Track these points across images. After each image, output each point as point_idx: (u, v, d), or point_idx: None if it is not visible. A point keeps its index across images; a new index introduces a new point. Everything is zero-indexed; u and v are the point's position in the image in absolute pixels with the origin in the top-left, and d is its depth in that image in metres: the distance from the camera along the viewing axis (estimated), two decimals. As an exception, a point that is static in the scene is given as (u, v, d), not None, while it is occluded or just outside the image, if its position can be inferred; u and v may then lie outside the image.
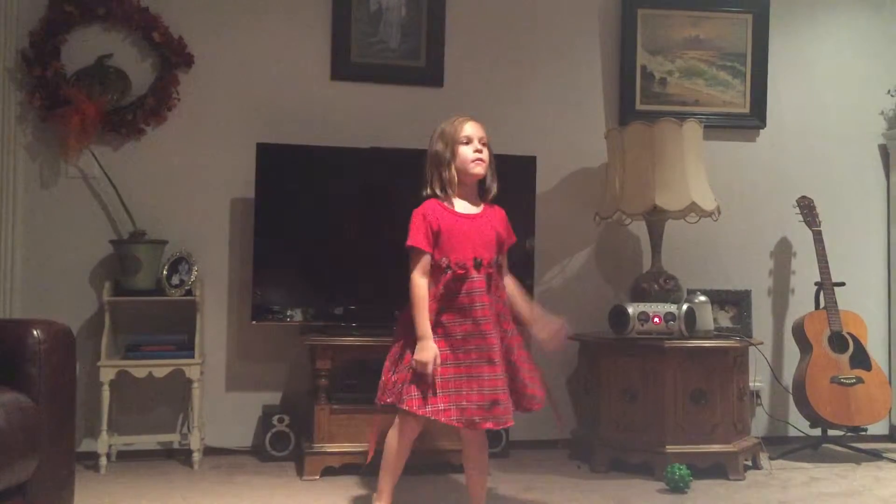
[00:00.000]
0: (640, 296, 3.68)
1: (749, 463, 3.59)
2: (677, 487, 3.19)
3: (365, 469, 3.15)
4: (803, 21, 4.30)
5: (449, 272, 2.56)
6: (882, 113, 4.33)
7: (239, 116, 3.79)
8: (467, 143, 2.62)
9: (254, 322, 3.55)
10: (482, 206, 2.69)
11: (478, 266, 2.58)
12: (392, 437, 2.64)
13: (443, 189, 2.63)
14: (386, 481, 2.67)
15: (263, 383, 3.76)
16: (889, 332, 4.28)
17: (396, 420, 2.63)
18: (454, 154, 2.62)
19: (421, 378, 2.51)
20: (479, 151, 2.62)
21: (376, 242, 3.64)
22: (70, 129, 3.50)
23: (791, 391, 3.93)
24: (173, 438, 3.63)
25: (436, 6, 3.93)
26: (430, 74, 3.94)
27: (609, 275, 4.09)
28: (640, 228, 3.99)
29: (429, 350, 2.51)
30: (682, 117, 3.72)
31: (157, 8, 3.69)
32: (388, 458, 2.65)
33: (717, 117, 4.16)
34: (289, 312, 3.56)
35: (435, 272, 2.59)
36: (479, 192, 2.70)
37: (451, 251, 2.57)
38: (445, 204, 2.63)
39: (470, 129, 2.64)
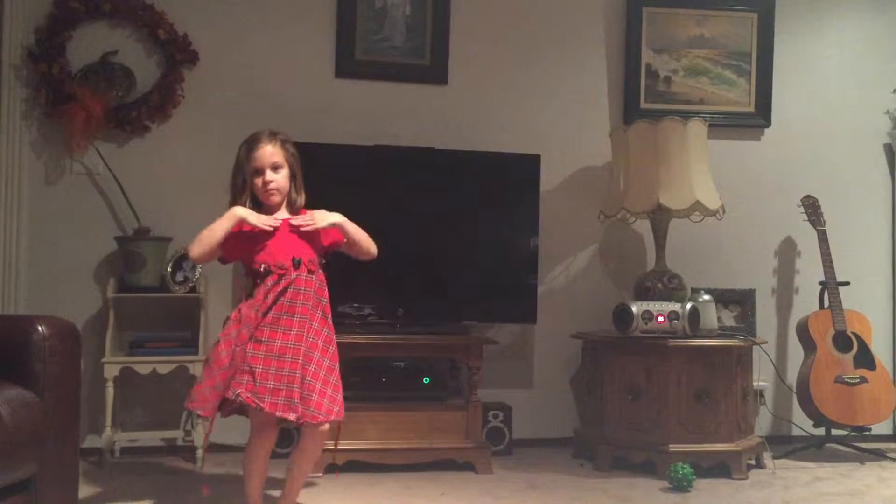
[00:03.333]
0: (643, 294, 3.68)
1: (752, 462, 3.58)
2: (681, 486, 3.18)
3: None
4: (808, 20, 4.30)
5: (270, 274, 2.54)
6: (887, 112, 4.32)
7: (243, 113, 3.78)
8: (257, 174, 2.58)
9: (258, 319, 3.55)
10: (286, 213, 2.65)
11: (296, 265, 2.56)
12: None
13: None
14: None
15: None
16: (893, 332, 4.27)
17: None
18: (248, 185, 2.59)
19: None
20: (270, 182, 2.57)
21: (379, 240, 3.64)
22: (75, 125, 3.51)
23: (795, 390, 3.92)
24: (177, 435, 3.64)
25: (440, 4, 3.93)
26: (434, 72, 3.94)
27: (613, 273, 4.09)
28: (644, 227, 3.98)
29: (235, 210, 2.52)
30: (686, 116, 3.71)
31: (162, 5, 3.69)
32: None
33: (722, 116, 4.15)
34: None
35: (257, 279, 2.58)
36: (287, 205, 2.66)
37: (267, 255, 2.56)
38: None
39: (259, 157, 2.58)
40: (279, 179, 2.60)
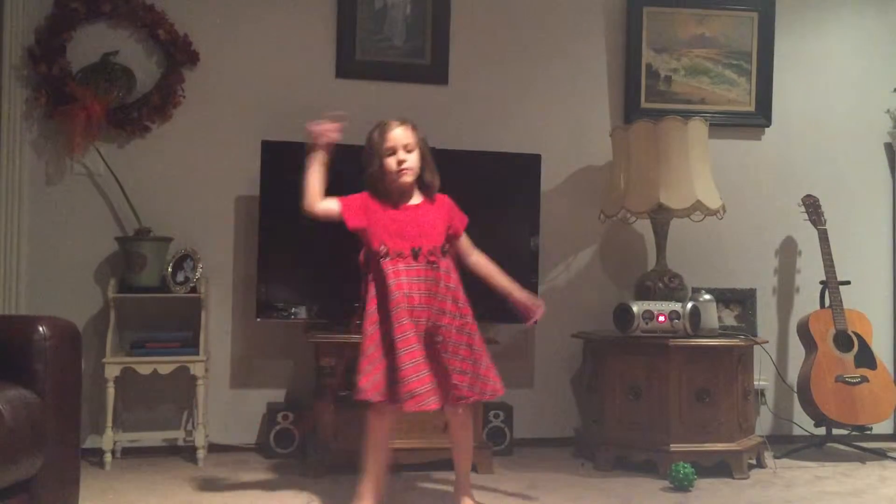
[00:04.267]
0: (644, 294, 3.68)
1: (753, 462, 3.58)
2: (681, 486, 3.18)
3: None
4: (809, 19, 4.29)
5: (389, 261, 2.59)
6: (888, 111, 4.32)
7: (244, 114, 3.79)
8: (392, 155, 2.64)
9: (258, 319, 3.56)
10: (420, 199, 2.71)
11: (416, 255, 2.61)
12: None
13: (379, 195, 2.67)
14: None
15: (268, 380, 3.77)
16: (894, 331, 4.27)
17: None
18: (382, 167, 2.65)
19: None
20: (403, 161, 2.63)
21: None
22: (75, 126, 3.51)
23: (796, 390, 3.92)
24: (178, 435, 3.64)
25: (441, 4, 3.93)
26: (434, 72, 3.94)
27: (613, 273, 4.09)
28: (644, 227, 3.98)
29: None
30: (687, 115, 3.71)
31: (162, 5, 3.69)
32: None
33: (723, 116, 4.15)
34: (293, 310, 3.56)
35: (374, 260, 2.63)
36: (421, 188, 2.72)
37: (388, 241, 2.61)
38: (377, 201, 2.67)
39: (392, 138, 2.65)
40: (412, 159, 2.64)
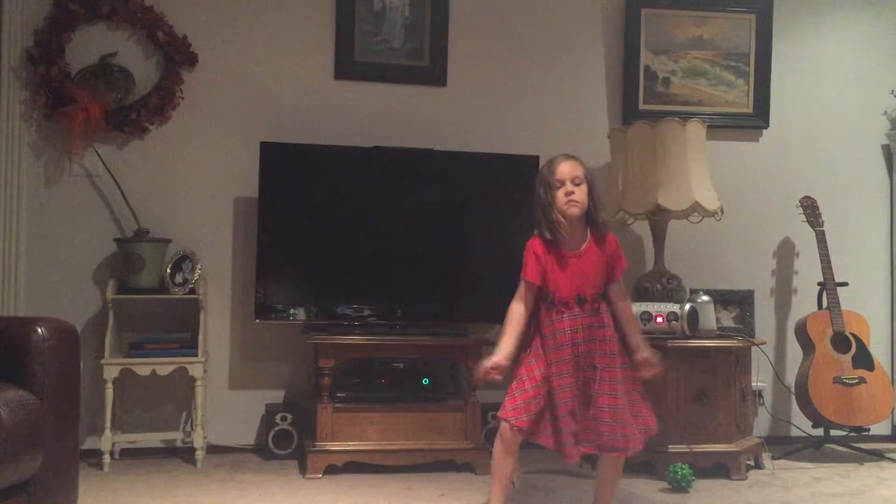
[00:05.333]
0: (642, 295, 3.68)
1: (751, 463, 3.59)
2: (680, 487, 3.19)
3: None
4: (806, 21, 4.30)
5: (553, 308, 2.63)
6: (885, 113, 4.33)
7: (242, 115, 3.79)
8: (560, 187, 2.66)
9: (257, 321, 3.56)
10: (588, 241, 2.70)
11: (581, 303, 2.63)
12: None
13: (550, 231, 2.67)
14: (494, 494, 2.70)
15: (266, 382, 3.77)
16: (892, 333, 4.27)
17: None
18: (553, 199, 2.67)
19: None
20: (571, 193, 2.65)
21: (379, 241, 3.65)
22: (74, 127, 3.52)
23: (794, 391, 3.93)
24: (176, 436, 3.64)
25: (439, 5, 3.94)
26: (433, 74, 3.95)
27: (612, 274, 4.09)
28: (643, 228, 3.99)
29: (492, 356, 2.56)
30: (685, 117, 3.72)
31: (161, 7, 3.69)
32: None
33: (721, 117, 4.16)
34: (292, 311, 3.57)
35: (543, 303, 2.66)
36: (590, 225, 2.72)
37: (553, 288, 2.63)
38: (549, 244, 2.67)
39: (561, 171, 2.68)
40: (579, 193, 2.66)
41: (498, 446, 2.61)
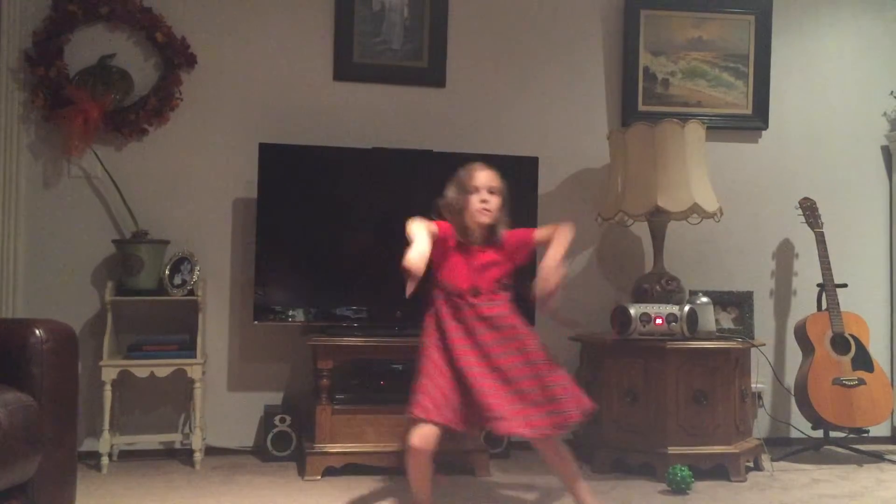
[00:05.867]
0: (642, 297, 3.68)
1: (751, 464, 3.58)
2: (679, 489, 3.18)
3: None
4: (806, 22, 4.30)
5: (450, 299, 2.70)
6: (885, 114, 4.33)
7: (241, 117, 3.79)
8: (475, 192, 2.73)
9: (256, 322, 3.55)
10: (487, 248, 2.79)
11: (476, 293, 2.71)
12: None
13: (458, 232, 2.76)
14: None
15: (265, 383, 3.77)
16: (891, 334, 4.27)
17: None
18: (465, 202, 2.74)
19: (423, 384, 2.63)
20: (486, 201, 2.72)
21: (378, 242, 3.65)
22: (73, 128, 3.51)
23: (793, 393, 3.93)
24: (175, 438, 3.63)
25: (438, 7, 3.94)
26: (432, 75, 3.95)
27: (611, 276, 4.09)
28: (642, 229, 3.99)
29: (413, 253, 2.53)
30: (684, 118, 3.72)
31: (160, 8, 3.69)
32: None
33: (720, 118, 4.16)
34: (291, 312, 3.56)
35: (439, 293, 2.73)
36: (489, 235, 2.79)
37: (456, 277, 2.71)
38: (455, 234, 2.75)
39: (479, 178, 2.75)
40: (493, 202, 2.74)
41: (415, 441, 2.61)
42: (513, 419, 2.60)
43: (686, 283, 3.79)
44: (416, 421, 2.59)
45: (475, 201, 2.73)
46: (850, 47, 4.34)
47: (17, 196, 3.57)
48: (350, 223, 3.68)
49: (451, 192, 2.78)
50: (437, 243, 2.66)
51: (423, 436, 2.59)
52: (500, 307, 2.74)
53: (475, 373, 2.63)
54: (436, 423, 2.58)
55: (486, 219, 2.74)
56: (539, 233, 2.85)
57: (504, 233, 2.80)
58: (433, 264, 2.68)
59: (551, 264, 2.69)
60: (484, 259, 2.76)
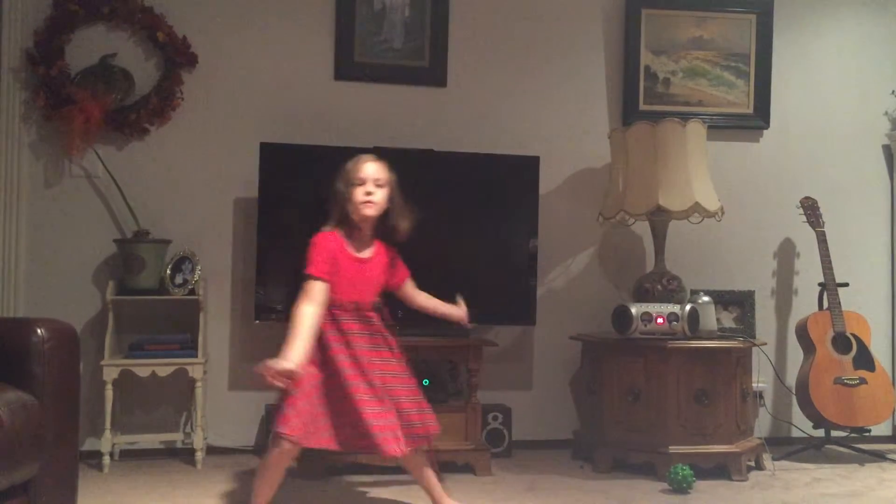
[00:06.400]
0: (643, 296, 3.68)
1: (752, 464, 3.58)
2: (680, 488, 3.18)
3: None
4: (807, 21, 4.30)
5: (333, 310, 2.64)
6: (886, 113, 4.32)
7: (242, 116, 3.79)
8: (360, 185, 2.67)
9: (257, 321, 3.55)
10: (374, 248, 2.74)
11: (358, 309, 2.67)
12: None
13: (343, 225, 2.69)
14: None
15: (266, 383, 3.76)
16: (892, 333, 4.27)
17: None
18: (350, 195, 2.68)
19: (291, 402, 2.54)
20: (371, 193, 2.67)
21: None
22: (74, 128, 3.51)
23: (794, 392, 3.92)
24: (176, 438, 3.64)
25: (439, 6, 3.94)
26: (433, 74, 3.94)
27: (612, 275, 4.09)
28: (643, 229, 3.98)
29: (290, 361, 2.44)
30: (685, 117, 3.71)
31: (161, 8, 3.69)
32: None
33: (721, 118, 4.16)
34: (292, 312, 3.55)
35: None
36: (381, 231, 2.74)
37: (338, 291, 2.64)
38: (344, 242, 2.69)
39: (364, 170, 2.69)
40: (378, 195, 2.69)
41: (275, 456, 2.54)
42: (388, 438, 2.55)
43: (687, 282, 3.79)
44: (280, 436, 2.50)
45: (359, 193, 2.66)
46: (851, 46, 4.34)
47: (19, 195, 3.57)
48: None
49: (338, 185, 2.71)
50: (328, 268, 2.61)
51: (285, 453, 2.53)
52: (376, 325, 2.70)
53: (356, 389, 2.56)
54: (301, 445, 2.53)
55: (370, 211, 2.67)
56: (408, 286, 2.84)
57: (391, 249, 2.77)
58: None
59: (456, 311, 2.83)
60: (370, 269, 2.71)
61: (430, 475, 2.80)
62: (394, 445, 2.56)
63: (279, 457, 2.54)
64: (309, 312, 2.54)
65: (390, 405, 2.62)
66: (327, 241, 2.65)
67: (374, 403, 2.58)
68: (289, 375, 2.40)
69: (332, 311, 2.63)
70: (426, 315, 3.63)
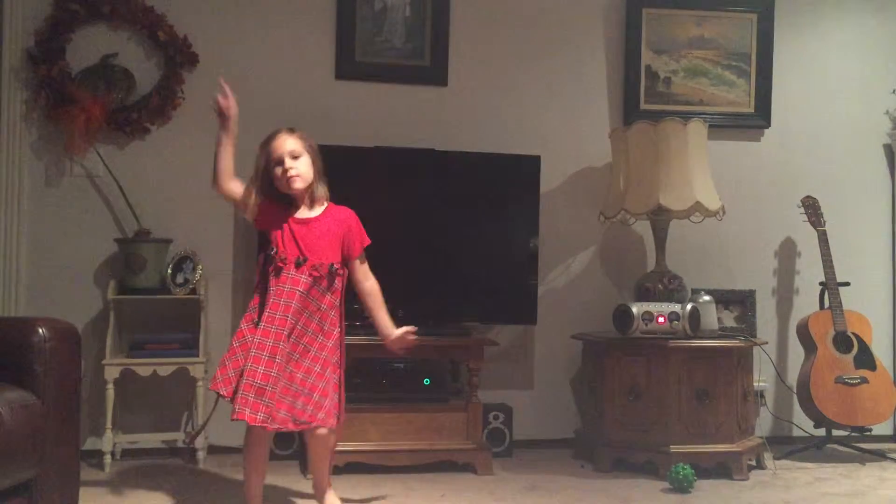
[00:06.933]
0: (644, 295, 3.68)
1: (753, 463, 3.58)
2: (681, 487, 3.18)
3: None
4: (808, 20, 4.30)
5: (273, 263, 2.62)
6: (887, 113, 4.32)
7: (243, 115, 3.75)
8: (278, 164, 2.65)
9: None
10: (321, 210, 2.72)
11: (299, 264, 2.61)
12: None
13: (276, 193, 2.68)
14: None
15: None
16: (894, 332, 4.27)
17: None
18: (273, 177, 2.66)
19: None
20: (290, 168, 2.64)
21: (378, 242, 3.64)
22: (75, 127, 3.51)
23: (795, 391, 3.92)
24: (178, 437, 3.64)
25: (440, 5, 3.93)
26: (434, 74, 3.94)
27: (613, 274, 4.09)
28: (644, 228, 3.98)
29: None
30: (686, 117, 3.71)
31: (162, 7, 3.69)
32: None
33: (722, 117, 4.16)
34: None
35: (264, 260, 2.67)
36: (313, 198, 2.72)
37: (278, 246, 2.63)
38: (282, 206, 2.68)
39: (278, 147, 2.66)
40: (299, 166, 2.66)
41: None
42: (249, 400, 2.49)
43: (688, 281, 3.79)
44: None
45: (279, 172, 2.64)
46: (852, 45, 4.34)
47: (20, 195, 3.57)
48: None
49: (259, 161, 2.68)
50: (261, 211, 2.63)
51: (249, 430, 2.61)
52: (324, 293, 2.65)
53: (263, 350, 2.53)
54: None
55: (299, 184, 2.65)
56: (361, 264, 2.76)
57: (347, 211, 2.74)
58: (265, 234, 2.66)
59: (403, 334, 2.76)
60: (312, 232, 2.66)
61: (317, 467, 2.73)
62: (245, 410, 2.47)
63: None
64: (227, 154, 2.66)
65: (291, 376, 2.56)
66: (268, 200, 2.67)
67: (267, 364, 2.51)
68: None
69: (276, 262, 2.60)
70: (426, 314, 3.66)
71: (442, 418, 3.47)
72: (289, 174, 2.64)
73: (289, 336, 2.57)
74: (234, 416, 2.48)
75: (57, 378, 2.22)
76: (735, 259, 4.17)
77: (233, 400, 2.52)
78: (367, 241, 2.77)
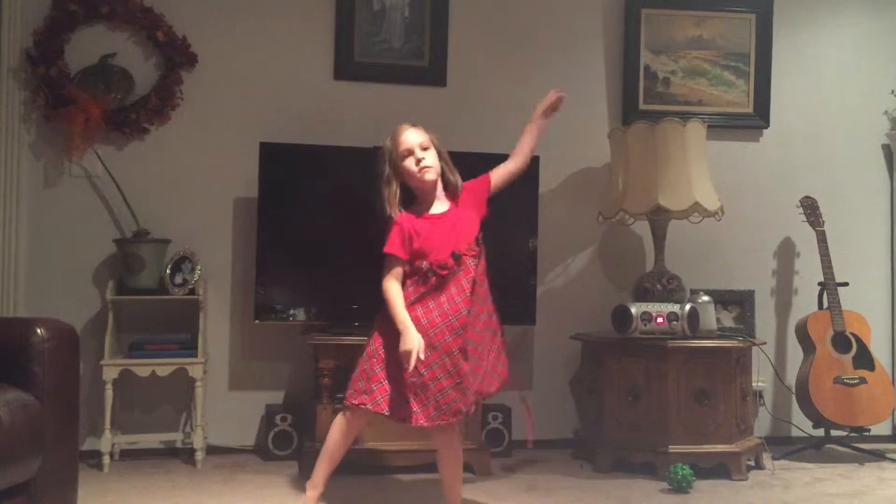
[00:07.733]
0: (643, 296, 3.68)
1: (752, 463, 3.58)
2: (680, 487, 3.18)
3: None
4: (807, 21, 4.30)
5: (432, 275, 2.62)
6: (886, 113, 4.32)
7: (242, 116, 3.79)
8: (409, 156, 2.65)
9: (257, 321, 3.55)
10: (448, 203, 2.74)
11: (457, 259, 2.64)
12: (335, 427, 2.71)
13: (405, 204, 2.69)
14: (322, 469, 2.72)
15: (266, 382, 3.77)
16: (892, 333, 4.27)
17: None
18: (401, 172, 2.67)
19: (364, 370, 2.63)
20: (422, 159, 2.65)
21: (378, 242, 3.63)
22: (74, 128, 3.51)
23: (794, 391, 3.92)
24: (176, 437, 3.64)
25: (439, 6, 3.94)
26: (433, 74, 3.94)
27: (612, 275, 4.09)
28: (643, 228, 3.99)
29: (414, 338, 2.53)
30: (685, 117, 3.72)
31: (160, 7, 3.69)
32: (329, 446, 2.72)
33: (721, 117, 4.16)
34: (291, 312, 3.56)
35: (414, 275, 2.66)
36: (446, 189, 2.74)
37: (429, 254, 2.63)
38: (413, 216, 2.68)
39: (406, 140, 2.67)
40: (430, 158, 2.67)
41: (342, 426, 2.66)
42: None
43: (687, 281, 3.79)
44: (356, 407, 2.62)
45: (411, 164, 2.65)
46: (850, 46, 4.34)
47: (19, 195, 3.57)
48: (350, 222, 3.67)
49: (384, 168, 2.68)
50: (404, 247, 2.64)
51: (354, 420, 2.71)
52: (480, 271, 2.69)
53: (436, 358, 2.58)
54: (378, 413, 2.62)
55: (431, 175, 2.66)
56: (496, 172, 2.79)
57: (463, 184, 2.74)
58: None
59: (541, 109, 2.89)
60: (451, 220, 2.68)
61: (455, 461, 2.76)
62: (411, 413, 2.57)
63: (347, 425, 2.68)
64: (396, 287, 2.63)
65: (474, 364, 2.63)
66: (401, 219, 2.66)
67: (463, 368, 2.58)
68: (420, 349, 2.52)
69: (437, 271, 2.62)
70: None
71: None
72: (422, 165, 2.64)
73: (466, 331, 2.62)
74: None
75: (56, 378, 2.22)
76: (734, 259, 4.17)
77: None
78: (486, 175, 2.80)
